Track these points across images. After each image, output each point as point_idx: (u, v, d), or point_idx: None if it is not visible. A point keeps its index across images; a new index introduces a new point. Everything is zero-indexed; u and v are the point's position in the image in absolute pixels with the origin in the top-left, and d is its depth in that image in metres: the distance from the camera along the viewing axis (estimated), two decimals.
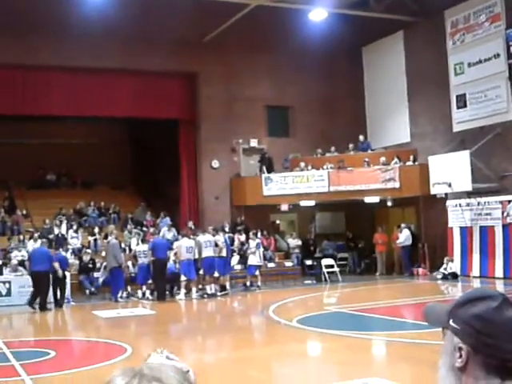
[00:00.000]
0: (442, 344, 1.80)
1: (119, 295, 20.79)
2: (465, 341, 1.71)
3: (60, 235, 24.57)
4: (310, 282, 24.52)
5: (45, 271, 19.15)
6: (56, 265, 19.41)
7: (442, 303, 1.87)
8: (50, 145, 30.66)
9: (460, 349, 1.72)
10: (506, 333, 1.67)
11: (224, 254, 21.84)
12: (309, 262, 25.91)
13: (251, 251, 23.04)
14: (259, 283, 22.89)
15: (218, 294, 21.39)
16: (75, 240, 24.47)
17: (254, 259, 22.93)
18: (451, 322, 1.77)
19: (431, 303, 1.95)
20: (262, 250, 23.66)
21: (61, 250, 21.67)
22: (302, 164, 26.88)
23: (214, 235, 21.90)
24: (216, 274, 21.53)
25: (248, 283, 22.91)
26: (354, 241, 28.53)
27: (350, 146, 27.65)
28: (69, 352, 13.43)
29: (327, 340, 13.12)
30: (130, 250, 23.09)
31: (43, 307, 18.94)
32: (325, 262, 24.98)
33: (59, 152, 30.44)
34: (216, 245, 21.56)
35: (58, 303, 19.60)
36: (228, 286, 22.12)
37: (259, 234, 25.91)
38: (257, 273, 22.98)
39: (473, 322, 1.70)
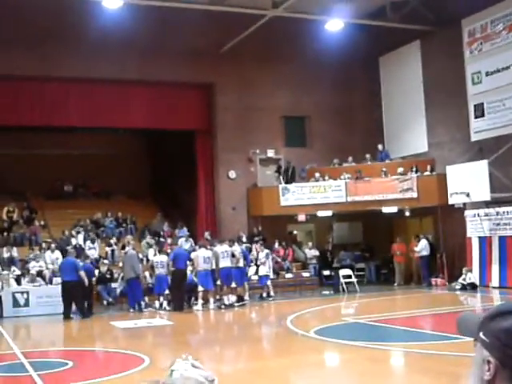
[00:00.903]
0: (473, 355, 1.78)
1: (142, 306, 20.83)
2: (493, 354, 1.70)
3: (78, 246, 24.67)
4: (327, 292, 24.43)
5: (72, 281, 19.46)
6: (82, 273, 19.69)
7: (476, 313, 1.85)
8: (67, 156, 30.81)
9: (489, 362, 1.70)
10: None
11: (241, 264, 21.83)
12: (326, 273, 25.84)
13: (261, 262, 23.04)
14: (271, 293, 22.83)
15: (236, 304, 21.36)
16: (93, 251, 24.52)
17: (263, 270, 22.94)
18: (481, 334, 1.75)
19: (466, 312, 1.94)
20: (270, 259, 23.60)
21: (87, 260, 21.81)
22: (317, 174, 26.83)
23: (230, 246, 21.91)
24: (233, 285, 21.51)
25: (264, 294, 22.87)
26: (370, 251, 28.44)
27: (367, 156, 27.58)
28: (87, 362, 13.43)
29: (345, 351, 13.05)
30: (148, 260, 23.12)
31: (82, 313, 19.54)
32: (342, 272, 24.88)
33: (76, 163, 30.59)
34: (233, 255, 21.55)
35: (85, 314, 19.71)
36: (246, 297, 22.10)
37: (276, 245, 25.92)
38: (268, 283, 22.93)
39: (501, 336, 1.69)
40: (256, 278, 23.45)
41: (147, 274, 22.24)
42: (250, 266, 23.43)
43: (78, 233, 25.64)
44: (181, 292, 20.97)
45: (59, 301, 20.50)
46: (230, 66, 27.15)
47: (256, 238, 25.78)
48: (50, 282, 21.73)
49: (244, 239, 25.58)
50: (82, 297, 19.85)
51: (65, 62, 24.75)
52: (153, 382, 1.39)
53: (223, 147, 27.69)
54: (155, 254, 22.41)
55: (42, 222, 27.04)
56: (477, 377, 1.75)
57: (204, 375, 1.66)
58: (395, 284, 26.01)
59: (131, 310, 20.70)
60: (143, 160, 33.15)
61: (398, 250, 26.37)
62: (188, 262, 21.58)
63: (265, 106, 27.89)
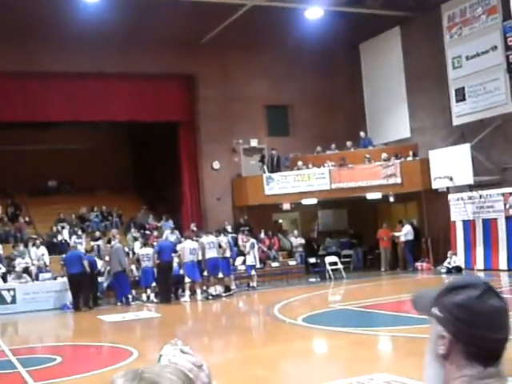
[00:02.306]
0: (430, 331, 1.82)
1: (130, 299, 20.88)
2: (447, 329, 1.73)
3: (63, 241, 24.61)
4: (314, 280, 24.52)
5: (79, 273, 20.11)
6: (86, 263, 20.46)
7: (431, 290, 1.86)
8: (50, 151, 30.60)
9: (443, 337, 1.74)
10: (486, 321, 1.69)
11: (228, 254, 21.89)
12: (312, 260, 25.92)
13: (246, 251, 23.11)
14: (255, 283, 22.89)
15: (223, 294, 21.40)
16: (79, 246, 24.43)
17: (249, 259, 23.00)
18: (435, 309, 1.78)
19: (422, 290, 1.96)
20: (256, 249, 23.63)
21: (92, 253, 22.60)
22: (300, 163, 26.87)
23: (216, 236, 21.95)
24: (220, 275, 21.56)
25: (252, 283, 22.93)
26: (357, 237, 28.56)
27: (348, 143, 27.64)
28: (75, 357, 13.42)
29: (333, 337, 13.12)
30: (134, 253, 23.11)
31: (88, 305, 20.16)
32: (328, 259, 24.98)
33: (60, 158, 30.39)
34: (219, 246, 21.59)
35: (89, 305, 20.28)
36: (233, 287, 22.16)
37: (262, 234, 25.96)
38: (253, 272, 22.98)
39: (454, 311, 1.72)
40: (243, 267, 23.48)
41: (133, 267, 22.23)
42: (236, 256, 23.46)
43: (63, 228, 25.57)
44: (167, 284, 20.99)
45: (47, 297, 20.54)
46: (211, 57, 27.09)
47: (242, 228, 25.80)
48: (37, 279, 21.65)
49: (230, 229, 25.60)
50: (88, 288, 20.47)
51: (44, 56, 24.58)
52: (130, 372, 1.40)
53: (206, 138, 27.66)
54: (141, 247, 22.38)
55: (27, 219, 26.91)
56: (432, 352, 1.78)
57: (192, 360, 1.67)
58: (382, 269, 26.15)
59: (119, 304, 20.71)
60: (126, 153, 33.03)
61: (383, 235, 26.49)
62: (174, 254, 21.59)
63: (247, 96, 27.87)
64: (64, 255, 21.60)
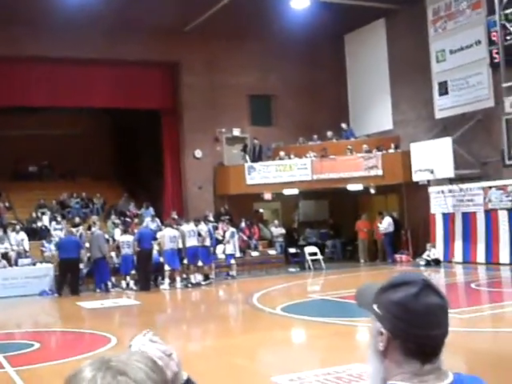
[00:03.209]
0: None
1: (109, 286, 20.86)
2: (385, 326, 1.75)
3: (43, 227, 24.50)
4: (293, 269, 24.61)
5: (75, 258, 20.39)
6: (83, 251, 20.85)
7: (372, 285, 1.87)
8: (31, 136, 30.37)
9: (381, 333, 1.76)
10: (421, 319, 1.71)
11: (207, 243, 21.92)
12: (292, 250, 25.98)
13: (226, 240, 23.13)
14: (234, 272, 22.93)
15: (202, 283, 21.43)
16: (58, 232, 24.34)
17: (228, 248, 23.03)
18: (375, 306, 1.80)
19: (366, 283, 1.97)
20: (236, 238, 23.65)
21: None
22: (282, 153, 26.89)
23: (197, 225, 21.95)
24: (200, 264, 21.58)
25: (232, 272, 22.96)
26: (334, 228, 28.65)
27: (329, 133, 27.67)
28: (53, 343, 13.41)
29: (311, 327, 13.18)
30: (114, 240, 23.06)
31: (76, 291, 20.26)
32: (308, 249, 25.06)
33: (41, 144, 30.18)
34: (199, 234, 21.60)
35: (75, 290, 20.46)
36: (212, 275, 22.19)
37: (243, 223, 25.97)
38: (232, 261, 23.01)
39: (392, 308, 1.74)
40: (223, 256, 23.50)
41: (113, 254, 22.19)
42: (216, 245, 23.47)
43: (44, 214, 25.45)
44: (147, 272, 20.98)
45: (26, 282, 20.46)
46: (195, 45, 26.97)
47: (222, 217, 25.80)
48: (16, 264, 21.54)
49: (210, 218, 25.60)
50: (77, 274, 20.75)
51: (27, 41, 24.35)
52: (97, 360, 1.40)
53: (189, 126, 27.59)
54: (121, 234, 22.33)
55: (7, 204, 26.75)
56: (373, 347, 1.80)
57: (162, 349, 1.68)
58: (361, 261, 26.27)
59: (98, 290, 20.68)
60: (108, 140, 32.87)
61: (362, 227, 26.60)
62: (154, 242, 21.57)
63: (230, 85, 27.81)
64: (58, 240, 21.83)
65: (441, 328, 1.74)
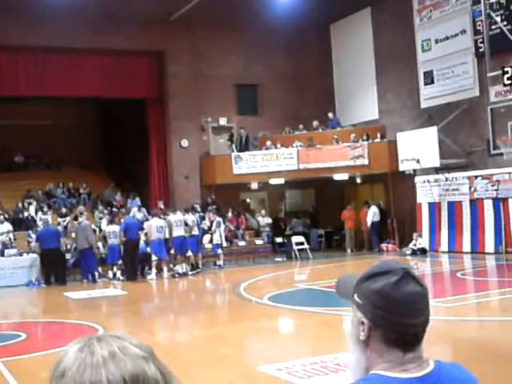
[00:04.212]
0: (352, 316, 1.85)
1: (96, 276, 20.83)
2: (366, 315, 1.76)
3: (30, 217, 24.40)
4: (280, 259, 24.67)
5: (56, 248, 20.45)
6: (62, 240, 20.93)
7: (353, 275, 1.89)
8: (17, 126, 30.18)
9: (363, 323, 1.77)
10: (402, 307, 1.72)
11: (196, 232, 21.94)
12: (279, 240, 26.03)
13: (212, 230, 23.15)
14: (221, 262, 22.97)
15: (190, 272, 21.46)
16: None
17: (214, 238, 23.07)
18: (355, 296, 1.81)
19: (348, 274, 1.99)
20: (222, 228, 23.66)
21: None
22: (268, 142, 26.91)
23: (184, 214, 21.95)
24: (189, 253, 21.62)
25: (219, 262, 23.00)
26: (312, 218, 28.65)
27: (315, 123, 27.70)
28: (40, 334, 13.40)
29: (298, 316, 13.24)
30: (101, 230, 23.01)
31: (63, 281, 20.30)
32: (295, 239, 25.12)
33: (27, 133, 30.02)
34: (186, 224, 21.61)
35: (63, 281, 20.48)
36: (200, 265, 22.22)
37: (230, 213, 25.98)
38: (219, 251, 23.04)
39: (372, 297, 1.75)
40: (210, 246, 23.53)
41: (100, 244, 22.16)
42: (203, 235, 23.48)
43: (30, 204, 25.35)
44: (133, 262, 20.97)
45: (12, 273, 20.39)
46: (181, 34, 26.90)
47: (209, 207, 25.80)
48: (2, 255, 21.46)
49: (198, 208, 25.58)
50: (63, 264, 20.82)
51: (13, 30, 24.19)
52: (85, 338, 1.40)
53: (175, 116, 27.54)
54: (108, 224, 22.29)
55: None
56: (354, 337, 1.82)
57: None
58: (348, 250, 26.35)
59: (85, 281, 20.65)
60: (94, 130, 32.74)
61: (348, 216, 26.66)
62: (141, 232, 21.56)
63: (217, 74, 27.76)
64: (38, 230, 21.70)
65: (421, 316, 1.75)
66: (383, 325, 1.73)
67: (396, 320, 1.72)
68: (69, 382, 1.29)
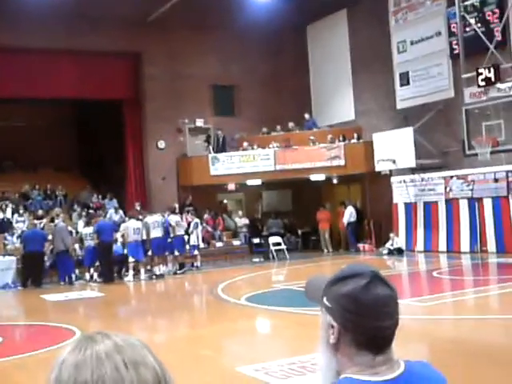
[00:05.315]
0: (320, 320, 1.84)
1: (73, 278, 20.74)
2: (335, 319, 1.76)
3: (5, 220, 24.22)
4: (257, 260, 24.70)
5: (39, 251, 20.46)
6: (47, 244, 20.79)
7: (321, 278, 1.89)
8: None
9: (332, 326, 1.77)
10: (372, 311, 1.72)
11: (182, 232, 21.99)
12: (256, 241, 26.07)
13: (190, 231, 23.16)
14: (198, 263, 22.97)
15: (178, 271, 21.73)
16: (21, 224, 24.09)
17: (191, 239, 23.08)
18: (324, 299, 1.81)
19: (313, 277, 1.99)
20: (200, 229, 23.64)
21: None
22: (245, 143, 26.95)
23: (168, 215, 22.07)
24: (176, 253, 21.87)
25: (196, 263, 22.99)
26: (290, 220, 28.68)
27: (290, 124, 27.78)
28: (17, 337, 13.32)
29: (276, 317, 13.28)
30: (77, 232, 22.91)
31: (39, 284, 20.15)
32: (272, 240, 25.16)
33: (2, 135, 29.78)
34: (170, 225, 21.68)
35: (40, 284, 20.33)
36: (175, 266, 22.24)
37: (207, 214, 25.98)
38: (196, 252, 23.03)
39: (341, 301, 1.75)
40: (187, 247, 23.51)
41: (77, 246, 22.04)
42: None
43: (6, 206, 25.14)
44: (109, 264, 20.85)
45: None
46: (157, 35, 26.85)
47: (187, 208, 25.78)
48: None
49: (177, 210, 25.55)
50: (42, 267, 20.76)
51: None
52: (88, 335, 1.42)
53: (152, 117, 27.49)
54: (84, 226, 22.20)
55: None
56: (324, 341, 1.81)
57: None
58: (324, 251, 26.43)
59: (61, 283, 20.54)
60: (71, 131, 32.59)
61: (322, 217, 26.73)
62: (117, 234, 21.49)
63: (193, 75, 27.74)
64: (24, 231, 21.69)
65: (391, 319, 1.75)
66: (353, 328, 1.74)
67: (366, 323, 1.72)
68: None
